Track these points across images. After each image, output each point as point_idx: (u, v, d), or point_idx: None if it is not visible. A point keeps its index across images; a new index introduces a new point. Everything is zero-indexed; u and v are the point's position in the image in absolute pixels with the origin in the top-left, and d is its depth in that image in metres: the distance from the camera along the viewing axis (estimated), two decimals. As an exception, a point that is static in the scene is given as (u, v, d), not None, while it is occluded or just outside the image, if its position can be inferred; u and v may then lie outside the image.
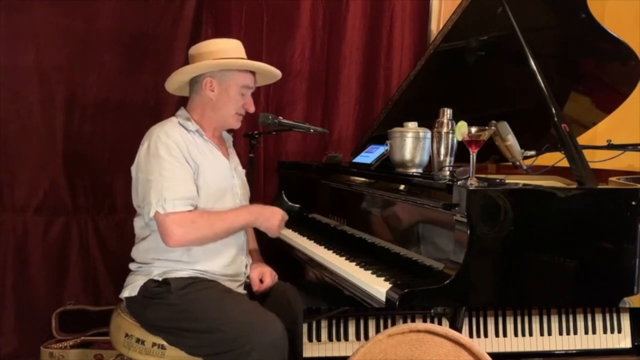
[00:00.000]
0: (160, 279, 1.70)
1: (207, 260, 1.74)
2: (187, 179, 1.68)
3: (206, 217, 1.68)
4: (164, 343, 1.69)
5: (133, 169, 1.77)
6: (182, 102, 1.90)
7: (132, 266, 1.81)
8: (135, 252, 1.80)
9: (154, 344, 1.69)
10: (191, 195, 1.68)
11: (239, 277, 1.84)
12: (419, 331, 1.32)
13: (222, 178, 1.82)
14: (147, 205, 1.64)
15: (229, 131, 1.98)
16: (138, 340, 1.71)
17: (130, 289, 1.73)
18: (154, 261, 1.74)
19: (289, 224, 2.18)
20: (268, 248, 2.12)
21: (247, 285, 1.89)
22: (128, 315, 1.77)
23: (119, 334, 1.75)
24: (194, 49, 1.84)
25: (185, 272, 1.72)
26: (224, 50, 1.82)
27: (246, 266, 1.88)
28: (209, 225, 1.67)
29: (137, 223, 1.80)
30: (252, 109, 1.87)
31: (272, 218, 1.80)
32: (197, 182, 1.72)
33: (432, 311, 1.71)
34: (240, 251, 1.85)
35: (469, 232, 1.37)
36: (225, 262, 1.79)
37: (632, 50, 2.09)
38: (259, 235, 2.02)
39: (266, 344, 1.53)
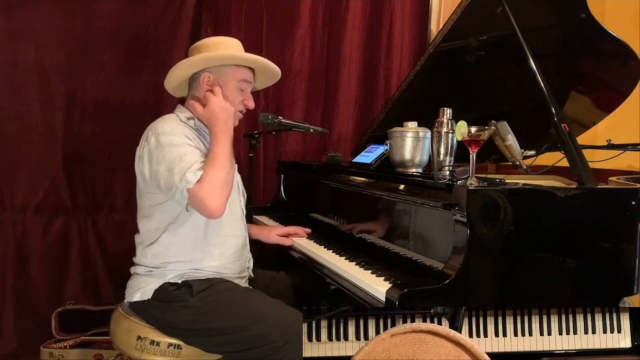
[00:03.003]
0: (180, 281, 1.70)
1: (217, 260, 1.75)
2: (198, 153, 1.65)
3: (209, 168, 1.59)
4: (181, 343, 1.68)
5: (144, 168, 1.69)
6: (183, 102, 1.89)
7: (139, 270, 1.76)
8: (143, 257, 1.76)
9: (170, 345, 1.68)
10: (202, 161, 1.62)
11: (244, 273, 1.87)
12: (421, 331, 1.32)
13: None
14: (174, 188, 1.58)
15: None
16: (153, 342, 1.69)
17: (142, 293, 1.71)
18: (167, 265, 1.72)
19: (289, 224, 2.18)
20: (268, 247, 2.12)
21: (251, 281, 1.91)
22: (138, 318, 1.75)
23: (129, 337, 1.72)
24: (193, 47, 1.83)
25: (202, 274, 1.73)
26: (222, 44, 1.81)
27: (249, 261, 1.92)
28: (218, 172, 1.59)
29: (145, 227, 1.76)
30: (251, 104, 1.84)
31: (227, 116, 1.70)
32: None
33: (432, 311, 1.71)
34: (244, 246, 1.88)
35: (469, 232, 1.37)
36: (233, 259, 1.81)
37: (632, 50, 2.09)
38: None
39: (296, 337, 1.58)
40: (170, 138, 1.66)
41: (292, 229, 2.07)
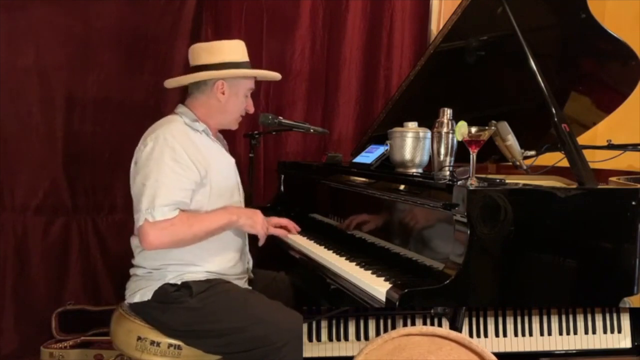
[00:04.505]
0: (179, 282, 1.70)
1: (216, 260, 1.76)
2: (184, 187, 1.65)
3: (185, 218, 1.64)
4: (181, 343, 1.69)
5: (132, 169, 1.72)
6: (183, 101, 1.89)
7: (138, 271, 1.77)
8: (142, 259, 1.77)
9: (169, 345, 1.69)
10: (181, 200, 1.64)
11: (244, 273, 1.88)
12: (393, 338, 1.30)
13: (231, 176, 1.86)
14: (138, 212, 1.62)
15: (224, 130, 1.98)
16: (153, 342, 1.70)
17: (142, 294, 1.71)
18: (167, 266, 1.72)
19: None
20: (266, 247, 2.11)
21: (251, 281, 1.93)
22: (138, 318, 1.75)
23: (129, 337, 1.73)
24: (204, 53, 1.80)
25: (201, 275, 1.73)
26: (235, 56, 1.82)
27: (249, 262, 1.94)
28: (187, 227, 1.63)
29: None
30: (252, 109, 1.91)
31: (253, 216, 1.79)
32: (211, 183, 1.72)
33: (432, 311, 1.71)
34: (244, 247, 1.90)
35: (469, 232, 1.37)
36: (233, 260, 1.82)
37: (632, 50, 2.09)
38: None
39: (295, 338, 1.59)
40: (164, 151, 1.65)
41: (283, 221, 1.99)
